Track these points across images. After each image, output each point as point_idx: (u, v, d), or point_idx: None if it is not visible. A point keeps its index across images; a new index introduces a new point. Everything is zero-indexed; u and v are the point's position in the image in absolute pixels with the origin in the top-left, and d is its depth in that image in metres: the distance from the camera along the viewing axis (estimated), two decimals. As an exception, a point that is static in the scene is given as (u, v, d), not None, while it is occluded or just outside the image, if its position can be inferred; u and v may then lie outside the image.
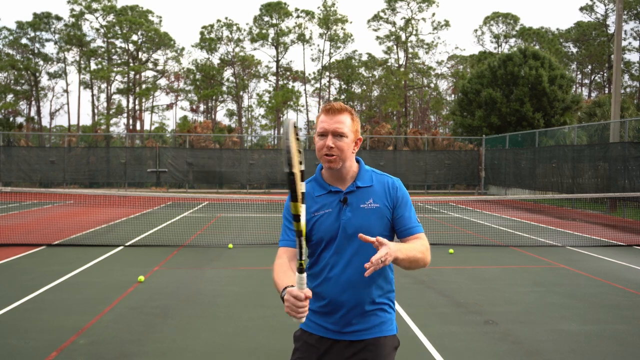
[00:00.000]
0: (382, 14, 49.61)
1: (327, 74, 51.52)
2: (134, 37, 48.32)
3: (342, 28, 48.99)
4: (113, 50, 48.90)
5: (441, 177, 29.76)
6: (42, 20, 47.41)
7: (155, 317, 5.70)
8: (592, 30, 51.24)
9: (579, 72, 56.23)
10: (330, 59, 50.38)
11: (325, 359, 2.24)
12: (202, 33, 49.44)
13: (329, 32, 49.05)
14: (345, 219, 2.20)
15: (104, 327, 5.35)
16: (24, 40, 48.51)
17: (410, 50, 51.18)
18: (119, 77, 48.98)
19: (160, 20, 56.57)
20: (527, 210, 19.23)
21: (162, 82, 53.20)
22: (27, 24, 47.43)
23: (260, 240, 11.19)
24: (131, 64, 48.36)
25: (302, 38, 49.22)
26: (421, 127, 55.09)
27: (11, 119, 47.35)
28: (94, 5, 46.95)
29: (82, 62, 48.60)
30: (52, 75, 50.29)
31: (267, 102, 50.80)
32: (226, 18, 56.81)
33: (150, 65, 51.12)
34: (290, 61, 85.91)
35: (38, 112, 50.37)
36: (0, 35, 47.94)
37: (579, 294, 6.94)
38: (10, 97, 48.30)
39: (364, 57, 51.78)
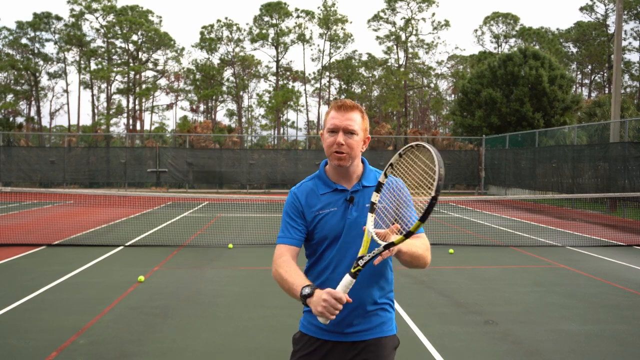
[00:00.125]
0: (382, 14, 49.64)
1: (327, 74, 51.53)
2: (134, 37, 48.34)
3: (342, 28, 49.02)
4: (113, 50, 48.92)
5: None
6: (42, 20, 47.42)
7: (155, 317, 5.70)
8: (592, 30, 51.24)
9: (579, 72, 56.23)
10: (330, 59, 50.41)
11: None
12: (202, 33, 49.46)
13: (329, 32, 49.07)
14: (352, 218, 2.18)
15: (104, 327, 5.35)
16: (24, 40, 48.54)
17: (410, 50, 51.21)
18: (119, 77, 49.03)
19: (160, 20, 56.62)
20: (527, 210, 19.23)
21: (162, 82, 53.28)
22: (27, 24, 47.44)
23: (260, 240, 11.19)
24: (131, 64, 48.37)
25: (302, 38, 49.24)
26: (421, 127, 55.09)
27: (11, 119, 47.36)
28: (94, 5, 46.97)
29: (82, 62, 48.62)
30: (52, 75, 50.34)
31: (267, 102, 50.81)
32: (226, 18, 56.85)
33: (150, 65, 51.15)
34: (290, 61, 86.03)
35: (38, 112, 50.40)
36: (0, 35, 47.98)
37: (579, 294, 6.94)
38: (10, 97, 48.32)
39: (364, 57, 51.83)
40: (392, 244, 1.89)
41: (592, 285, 7.52)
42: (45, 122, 61.81)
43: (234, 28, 49.43)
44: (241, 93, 52.81)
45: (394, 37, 49.71)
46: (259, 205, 19.07)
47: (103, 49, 48.42)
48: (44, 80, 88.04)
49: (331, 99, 51.98)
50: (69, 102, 63.82)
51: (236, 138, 34.57)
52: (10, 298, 6.34)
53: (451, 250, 10.00)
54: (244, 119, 54.42)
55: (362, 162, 2.30)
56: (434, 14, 73.29)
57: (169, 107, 56.76)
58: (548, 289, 7.21)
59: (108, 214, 15.76)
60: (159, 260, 8.86)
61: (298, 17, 49.08)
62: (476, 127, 31.15)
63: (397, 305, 6.16)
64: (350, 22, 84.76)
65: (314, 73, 56.34)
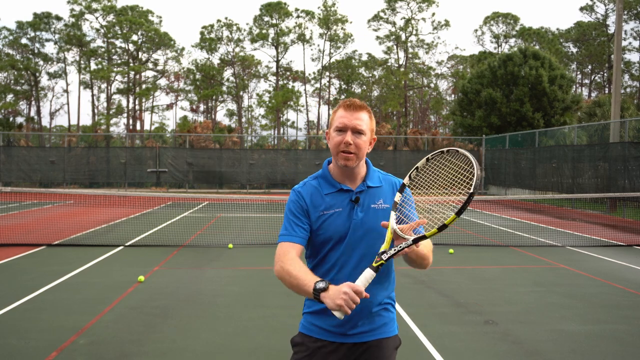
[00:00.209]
0: (382, 14, 49.66)
1: (327, 74, 51.53)
2: (134, 37, 48.35)
3: (342, 28, 49.02)
4: (113, 50, 48.92)
5: (441, 177, 29.70)
6: (42, 20, 47.43)
7: (155, 317, 5.70)
8: (592, 30, 51.24)
9: (579, 72, 56.24)
10: (330, 59, 50.41)
11: None
12: (202, 33, 49.47)
13: (329, 32, 49.07)
14: (357, 219, 2.16)
15: (104, 327, 5.35)
16: (24, 40, 48.54)
17: (410, 50, 51.21)
18: (119, 77, 49.04)
19: (160, 21, 56.63)
20: (527, 210, 19.23)
21: (162, 82, 53.28)
22: (27, 24, 47.45)
23: (260, 240, 11.19)
24: (131, 64, 48.37)
25: (302, 38, 49.24)
26: (421, 127, 55.11)
27: (11, 119, 47.37)
28: (94, 5, 46.98)
29: (82, 62, 48.63)
30: (52, 75, 50.34)
31: (267, 102, 50.82)
32: (226, 18, 56.86)
33: (150, 65, 51.16)
34: (290, 61, 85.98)
35: (38, 112, 50.41)
36: (0, 35, 47.98)
37: (579, 294, 6.94)
38: (10, 97, 48.32)
39: (364, 57, 51.85)
40: (424, 237, 1.93)
41: (592, 285, 7.52)
42: (45, 122, 61.89)
43: (234, 28, 49.46)
44: (241, 93, 52.83)
45: (394, 37, 49.73)
46: (259, 205, 19.07)
47: (103, 49, 48.44)
48: (44, 80, 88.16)
49: (331, 99, 52.02)
50: (69, 102, 63.86)
51: (236, 138, 34.58)
52: (10, 298, 6.34)
53: (451, 250, 10.00)
54: (244, 119, 54.44)
55: (366, 162, 2.29)
56: (434, 14, 73.24)
57: (169, 107, 56.79)
58: (548, 289, 7.21)
59: (108, 214, 15.77)
60: (159, 260, 8.86)
61: (298, 17, 49.12)
62: (476, 127, 31.16)
63: (397, 305, 6.15)
64: (350, 22, 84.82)
65: (314, 73, 56.42)
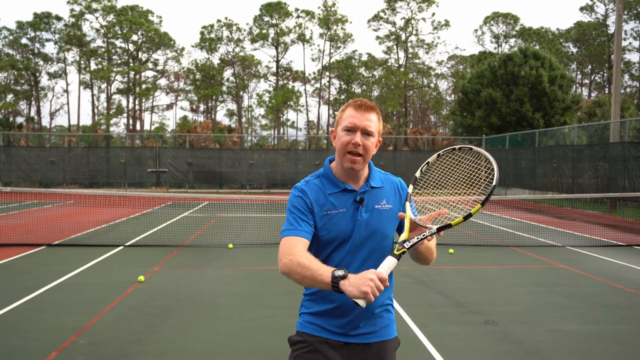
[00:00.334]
0: (382, 14, 49.66)
1: (327, 74, 51.52)
2: (134, 37, 48.35)
3: (342, 28, 49.02)
4: (113, 50, 48.93)
5: (441, 177, 29.71)
6: (42, 20, 47.43)
7: (155, 317, 5.70)
8: (592, 30, 51.24)
9: (579, 72, 56.24)
10: (330, 59, 50.41)
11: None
12: (202, 33, 49.48)
13: (329, 32, 49.07)
14: (361, 220, 2.13)
15: (104, 327, 5.35)
16: (24, 40, 48.55)
17: (410, 50, 51.22)
18: (119, 77, 49.05)
19: (161, 21, 56.65)
20: (527, 210, 19.23)
21: (162, 82, 53.29)
22: (27, 24, 47.46)
23: (260, 240, 11.19)
24: (131, 64, 48.37)
25: (302, 38, 49.25)
26: (421, 127, 55.11)
27: (11, 119, 47.39)
28: (94, 5, 46.98)
29: (82, 62, 48.63)
30: (52, 75, 50.34)
31: (267, 102, 50.82)
32: (226, 18, 56.86)
33: (150, 65, 51.17)
34: (290, 61, 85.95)
35: (38, 112, 50.41)
36: (0, 35, 47.98)
37: (579, 294, 6.94)
38: (10, 97, 48.32)
39: (364, 57, 51.85)
40: (449, 226, 1.96)
41: (592, 285, 7.52)
42: (45, 122, 61.97)
43: (234, 28, 49.46)
44: (241, 93, 52.83)
45: (394, 37, 49.73)
46: (259, 205, 19.07)
47: (103, 49, 48.45)
48: (44, 80, 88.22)
49: (331, 99, 52.02)
50: (69, 102, 63.86)
51: (236, 138, 34.58)
52: (10, 298, 6.34)
53: (451, 250, 10.00)
54: (244, 119, 54.44)
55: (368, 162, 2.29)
56: (434, 14, 73.24)
57: (169, 107, 56.78)
58: (548, 289, 7.21)
59: (108, 214, 15.77)
60: (159, 260, 8.86)
61: (298, 17, 49.12)
62: (476, 127, 31.16)
63: (397, 305, 6.16)
64: (350, 22, 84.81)
65: (314, 73, 56.41)
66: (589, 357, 4.69)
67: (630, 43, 50.46)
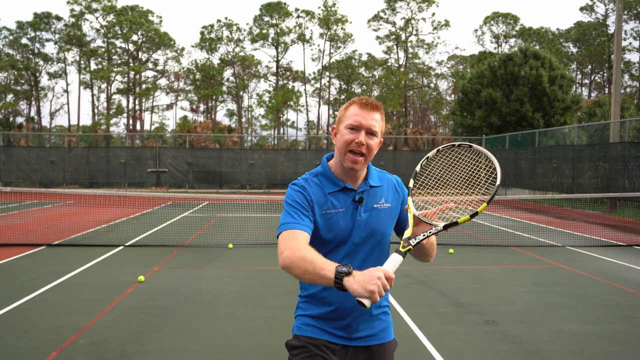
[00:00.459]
0: (382, 14, 49.66)
1: (327, 74, 51.53)
2: (134, 37, 48.36)
3: (342, 28, 49.02)
4: (113, 50, 48.93)
5: (441, 177, 29.73)
6: (42, 20, 47.44)
7: (155, 317, 5.70)
8: (592, 30, 51.25)
9: (579, 72, 56.25)
10: (330, 59, 50.42)
11: None
12: (202, 33, 49.49)
13: (329, 32, 49.07)
14: (361, 220, 2.09)
15: (104, 327, 5.35)
16: (24, 40, 48.56)
17: (410, 50, 51.22)
18: (119, 77, 49.06)
19: (161, 21, 56.66)
20: (527, 210, 19.23)
21: (162, 82, 53.30)
22: (27, 24, 47.46)
23: (260, 240, 11.18)
24: (131, 64, 48.38)
25: (302, 38, 49.25)
26: (421, 127, 55.11)
27: (11, 119, 47.39)
28: (94, 5, 46.99)
29: (82, 62, 48.64)
30: (52, 75, 50.35)
31: (267, 102, 50.83)
32: (226, 18, 56.88)
33: (150, 65, 51.17)
34: (290, 61, 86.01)
35: (38, 112, 50.41)
36: (0, 35, 47.99)
37: (579, 294, 6.94)
38: (10, 97, 48.33)
39: (364, 57, 51.86)
40: (456, 223, 1.94)
41: (592, 285, 7.52)
42: (45, 122, 61.93)
43: (234, 28, 49.47)
44: (241, 93, 52.84)
45: (394, 37, 49.73)
46: (259, 205, 19.07)
47: (103, 49, 48.45)
48: (44, 80, 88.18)
49: (331, 99, 52.02)
50: (69, 102, 63.87)
51: (236, 138, 34.59)
52: (10, 298, 6.34)
53: (451, 250, 10.00)
54: (244, 119, 54.45)
55: None
56: (434, 14, 73.25)
57: (169, 107, 56.79)
58: (548, 289, 7.21)
59: (108, 214, 15.76)
60: (159, 260, 8.86)
61: (298, 17, 49.12)
62: (476, 127, 31.16)
63: (397, 305, 6.16)
64: (350, 22, 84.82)
65: (314, 73, 56.41)
66: (589, 357, 4.69)
67: (630, 43, 50.49)
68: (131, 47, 48.99)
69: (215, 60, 50.70)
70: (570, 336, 5.24)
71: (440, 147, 2.19)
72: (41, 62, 49.07)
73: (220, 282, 7.46)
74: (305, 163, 28.47)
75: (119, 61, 49.36)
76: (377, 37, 51.84)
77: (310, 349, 2.08)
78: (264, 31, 48.63)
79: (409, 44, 50.49)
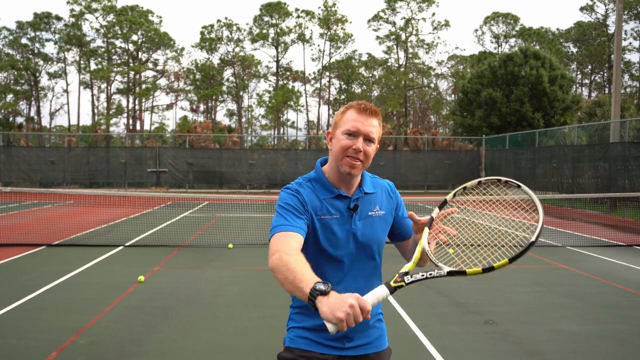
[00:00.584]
0: (382, 14, 49.64)
1: (327, 74, 51.54)
2: (134, 37, 48.36)
3: (342, 28, 49.03)
4: (113, 50, 48.93)
5: (441, 177, 29.78)
6: (42, 20, 47.44)
7: (155, 317, 5.70)
8: (592, 30, 51.26)
9: (579, 72, 56.25)
10: (330, 59, 50.42)
11: None
12: (202, 33, 49.49)
13: (329, 32, 49.08)
14: (355, 228, 2.03)
15: (104, 327, 5.35)
16: (24, 40, 48.56)
17: (410, 50, 51.21)
18: (119, 77, 49.05)
19: (161, 21, 56.65)
20: (527, 210, 19.18)
21: (162, 82, 53.30)
22: (27, 24, 47.46)
23: (260, 240, 11.18)
24: (131, 64, 48.38)
25: (302, 38, 49.26)
26: (421, 127, 55.10)
27: (11, 119, 47.39)
28: (94, 5, 46.99)
29: (82, 62, 48.64)
30: (52, 75, 50.35)
31: (267, 102, 50.83)
32: (226, 18, 56.86)
33: (150, 65, 51.17)
34: (290, 61, 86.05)
35: (38, 112, 50.41)
36: (0, 35, 48.00)
37: (579, 294, 6.94)
38: (10, 97, 48.33)
39: (364, 57, 51.87)
40: (464, 273, 1.76)
41: (592, 285, 7.52)
42: (45, 122, 61.87)
43: (234, 28, 49.48)
44: (241, 93, 52.84)
45: (394, 37, 49.73)
46: (259, 205, 19.06)
47: (103, 49, 48.46)
48: (44, 80, 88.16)
49: (331, 99, 52.02)
50: (69, 102, 63.89)
51: (236, 138, 34.58)
52: (10, 298, 6.34)
53: (451, 250, 9.97)
54: (244, 119, 54.45)
55: None
56: (434, 14, 73.17)
57: (169, 107, 56.80)
58: (548, 289, 7.21)
59: (108, 214, 15.76)
60: (159, 260, 8.86)
61: (298, 17, 49.13)
62: (476, 127, 31.16)
63: (397, 305, 6.16)
64: (350, 22, 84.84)
65: (314, 73, 56.43)
66: (589, 357, 4.69)
67: (630, 43, 50.50)
68: (131, 47, 49.01)
69: (215, 60, 50.75)
70: (570, 336, 5.24)
71: (483, 179, 1.99)
72: (41, 62, 49.09)
73: (220, 282, 7.46)
74: (305, 163, 28.46)
75: (119, 61, 49.37)
76: (377, 37, 51.86)
77: (305, 357, 2.02)
78: (264, 31, 48.64)
79: (409, 44, 50.50)
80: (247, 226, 13.80)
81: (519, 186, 1.94)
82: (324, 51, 50.59)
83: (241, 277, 7.77)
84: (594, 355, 4.73)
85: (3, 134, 29.20)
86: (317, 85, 52.74)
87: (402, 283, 1.72)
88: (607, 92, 50.07)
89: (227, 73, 51.58)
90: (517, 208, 1.93)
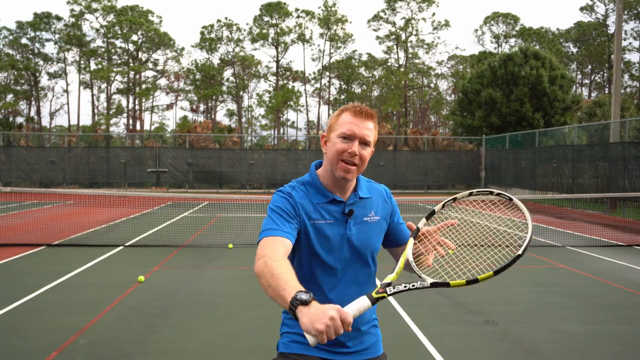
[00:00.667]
0: (382, 14, 49.65)
1: (327, 74, 51.55)
2: (134, 37, 48.37)
3: (342, 28, 49.04)
4: (113, 50, 48.94)
5: (441, 177, 29.78)
6: (42, 20, 47.45)
7: (155, 317, 5.70)
8: (592, 30, 51.27)
9: (579, 72, 56.26)
10: (330, 59, 50.43)
11: None
12: (202, 33, 49.51)
13: (329, 32, 49.08)
14: (350, 234, 1.99)
15: (104, 327, 5.35)
16: (24, 40, 48.57)
17: (410, 50, 51.22)
18: (119, 77, 49.07)
19: (161, 21, 56.65)
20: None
21: (162, 82, 53.31)
22: (27, 24, 47.48)
23: (260, 240, 11.16)
24: (131, 64, 48.38)
25: (302, 38, 49.27)
26: (421, 127, 55.10)
27: (11, 119, 47.39)
28: (94, 5, 46.99)
29: (82, 62, 48.65)
30: (52, 75, 50.36)
31: (267, 102, 50.84)
32: (226, 18, 56.88)
33: (150, 65, 51.18)
34: (290, 61, 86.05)
35: (38, 112, 50.42)
36: (0, 35, 48.00)
37: (579, 294, 6.94)
38: (10, 97, 48.33)
39: (364, 57, 51.88)
40: (447, 285, 1.75)
41: (592, 285, 7.52)
42: (45, 122, 61.82)
43: (234, 28, 49.49)
44: (241, 93, 52.85)
45: (394, 37, 49.73)
46: (259, 205, 19.03)
47: (103, 49, 48.47)
48: (44, 80, 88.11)
49: (331, 99, 52.02)
50: (69, 102, 63.90)
51: (236, 138, 34.58)
52: (10, 298, 6.34)
53: (451, 251, 9.97)
54: (244, 119, 54.46)
55: None
56: (434, 14, 73.20)
57: (169, 107, 56.80)
58: (548, 289, 7.21)
59: (108, 214, 15.76)
60: (159, 260, 8.86)
61: (298, 17, 49.14)
62: (476, 127, 31.17)
63: (397, 305, 6.16)
64: (350, 22, 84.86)
65: (314, 73, 56.43)
66: (589, 357, 4.69)
67: (630, 43, 50.51)
68: (131, 47, 49.01)
69: (215, 60, 50.76)
70: (570, 336, 5.24)
71: (475, 190, 1.98)
72: (41, 62, 49.10)
73: (220, 282, 7.46)
74: (305, 163, 28.46)
75: (119, 61, 49.38)
76: (377, 37, 51.85)
77: None
78: (264, 31, 48.65)
79: (409, 44, 50.50)
80: (247, 226, 13.80)
81: (510, 199, 1.92)
82: (324, 51, 50.63)
83: (241, 277, 7.77)
84: (594, 355, 4.73)
85: (3, 134, 29.20)
86: (317, 85, 52.80)
87: (384, 294, 1.69)
88: (607, 92, 50.07)
89: (227, 73, 51.64)
90: (507, 223, 1.91)
